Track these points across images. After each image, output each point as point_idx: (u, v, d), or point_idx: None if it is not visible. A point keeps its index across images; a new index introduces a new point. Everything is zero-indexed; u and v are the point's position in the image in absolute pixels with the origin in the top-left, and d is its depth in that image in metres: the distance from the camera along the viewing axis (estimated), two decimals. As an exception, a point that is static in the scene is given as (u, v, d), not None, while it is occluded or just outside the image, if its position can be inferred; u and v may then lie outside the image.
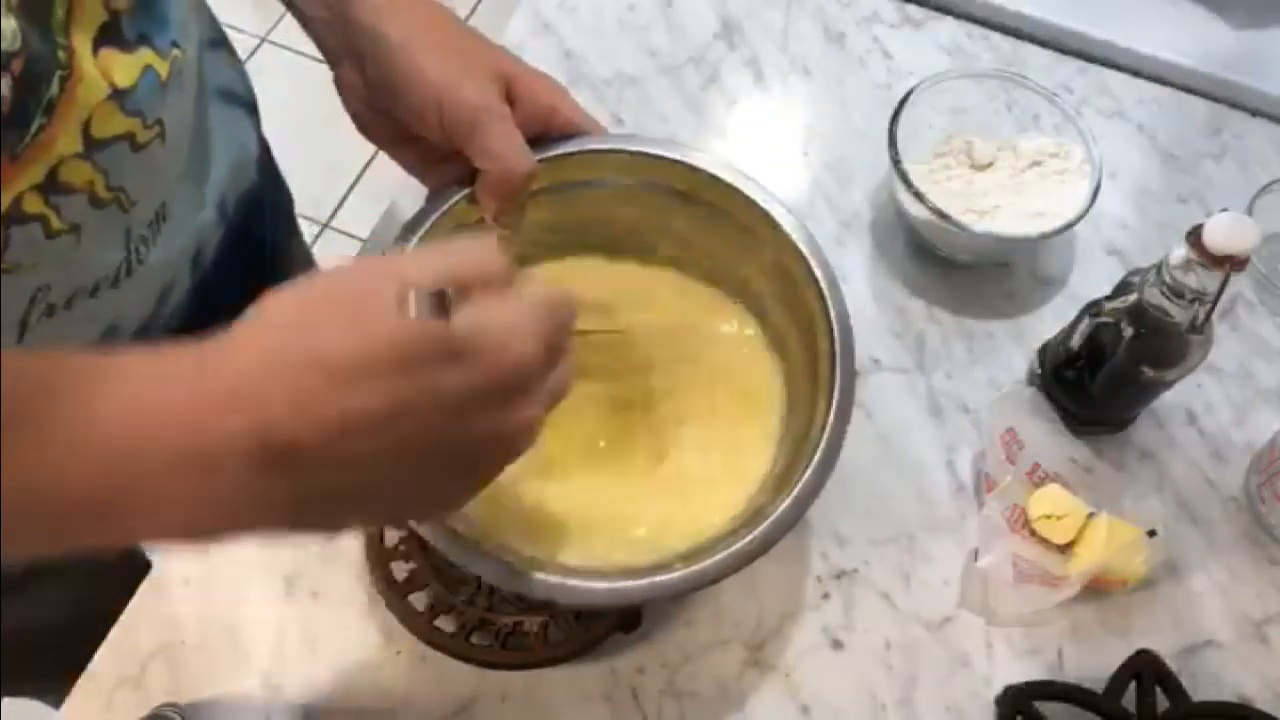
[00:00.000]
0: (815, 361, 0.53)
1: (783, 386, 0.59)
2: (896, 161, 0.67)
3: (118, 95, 0.44)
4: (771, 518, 0.48)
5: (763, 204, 0.56)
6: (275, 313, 0.35)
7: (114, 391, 0.33)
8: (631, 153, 0.56)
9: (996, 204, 0.69)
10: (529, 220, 0.57)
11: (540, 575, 0.47)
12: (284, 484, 0.34)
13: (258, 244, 0.67)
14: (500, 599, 0.57)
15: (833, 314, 0.53)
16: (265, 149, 0.69)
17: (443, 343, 0.35)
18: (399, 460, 0.35)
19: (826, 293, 0.53)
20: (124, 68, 0.44)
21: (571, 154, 0.55)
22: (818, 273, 0.54)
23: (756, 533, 0.48)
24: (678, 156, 0.57)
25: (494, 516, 0.52)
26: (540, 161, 0.52)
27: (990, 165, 0.71)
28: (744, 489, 0.55)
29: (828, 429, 0.50)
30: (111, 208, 0.47)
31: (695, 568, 0.47)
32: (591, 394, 0.57)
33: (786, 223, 0.55)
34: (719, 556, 0.47)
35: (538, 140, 0.53)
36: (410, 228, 0.53)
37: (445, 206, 0.54)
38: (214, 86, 0.59)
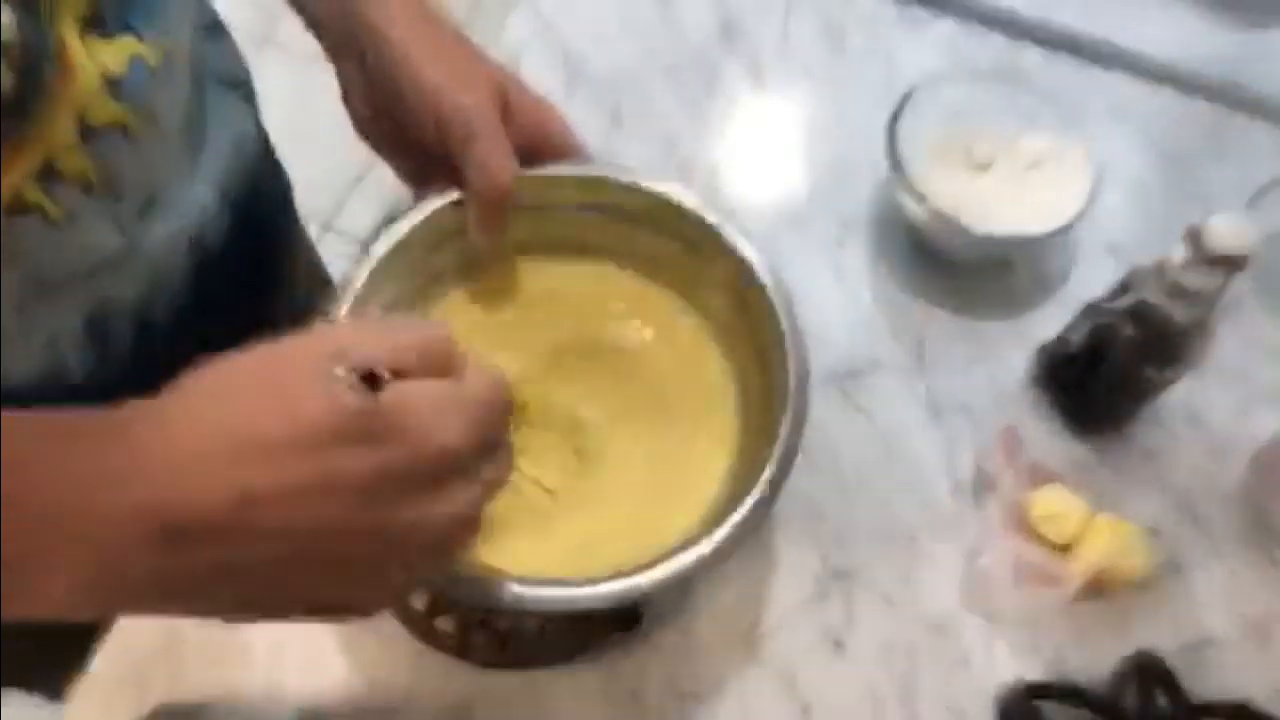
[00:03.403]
0: (771, 390, 0.54)
1: (738, 410, 0.59)
2: (896, 161, 0.67)
3: (110, 84, 0.44)
4: (724, 527, 0.49)
5: (720, 230, 0.57)
6: (199, 384, 0.35)
7: (21, 454, 0.32)
8: (592, 178, 0.58)
9: (996, 204, 0.69)
10: (512, 236, 0.58)
11: (511, 585, 0.47)
12: (181, 561, 0.32)
13: (259, 230, 0.67)
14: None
15: (789, 345, 0.54)
16: (264, 136, 0.69)
17: (361, 422, 0.33)
18: (306, 541, 0.33)
19: (784, 323, 0.54)
20: (112, 56, 0.45)
21: (543, 175, 0.57)
22: (779, 310, 0.55)
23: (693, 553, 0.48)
24: (637, 182, 0.58)
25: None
26: (524, 180, 0.54)
27: (990, 165, 0.71)
28: (693, 509, 0.55)
29: (777, 451, 0.51)
30: (103, 194, 0.47)
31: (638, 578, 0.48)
32: (554, 413, 0.59)
33: (743, 247, 0.56)
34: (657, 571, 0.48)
35: (527, 157, 0.54)
36: (388, 228, 0.55)
37: (427, 213, 0.55)
38: (211, 72, 0.59)
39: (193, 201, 0.56)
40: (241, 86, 0.63)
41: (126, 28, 0.46)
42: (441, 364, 0.37)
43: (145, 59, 0.47)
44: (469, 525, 0.37)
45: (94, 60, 0.43)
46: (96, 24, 0.44)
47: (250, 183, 0.63)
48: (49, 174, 0.43)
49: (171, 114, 0.51)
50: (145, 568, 0.33)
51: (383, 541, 0.35)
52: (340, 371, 0.33)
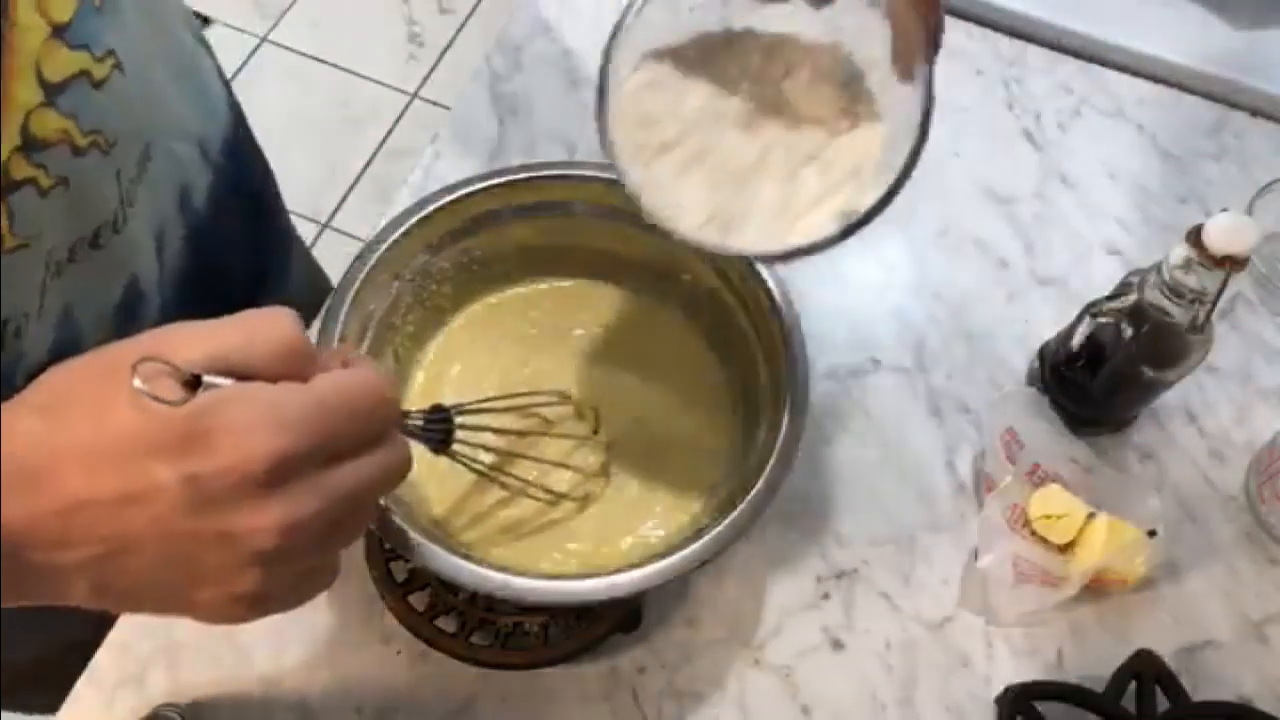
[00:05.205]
0: (772, 389, 0.55)
1: (738, 408, 0.60)
2: None
3: (59, 31, 0.43)
4: (709, 535, 0.49)
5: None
6: (35, 394, 0.35)
7: None
8: (591, 179, 0.58)
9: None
10: (511, 239, 0.60)
11: (506, 579, 0.49)
12: (20, 564, 0.33)
13: (245, 193, 0.67)
14: (500, 599, 0.57)
15: (790, 344, 0.54)
16: (234, 100, 0.68)
17: (169, 430, 0.32)
18: (135, 545, 0.33)
19: (785, 323, 0.55)
20: (58, 3, 0.43)
21: (552, 176, 0.58)
22: (780, 309, 0.55)
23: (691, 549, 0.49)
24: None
25: (467, 528, 0.56)
26: (522, 182, 0.57)
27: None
28: (692, 509, 0.57)
29: (776, 450, 0.51)
30: (93, 153, 0.47)
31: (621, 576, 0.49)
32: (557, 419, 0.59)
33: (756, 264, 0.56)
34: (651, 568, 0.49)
35: None
36: (388, 227, 0.56)
37: (427, 213, 0.56)
38: (164, 12, 0.58)
39: (176, 152, 0.56)
40: (197, 35, 0.62)
41: None
42: (284, 363, 0.35)
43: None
44: (324, 532, 0.35)
45: (40, 10, 0.42)
46: None
47: (230, 142, 0.63)
48: (31, 144, 0.43)
49: (135, 55, 0.49)
50: None
51: (214, 547, 0.34)
52: (141, 380, 0.32)
